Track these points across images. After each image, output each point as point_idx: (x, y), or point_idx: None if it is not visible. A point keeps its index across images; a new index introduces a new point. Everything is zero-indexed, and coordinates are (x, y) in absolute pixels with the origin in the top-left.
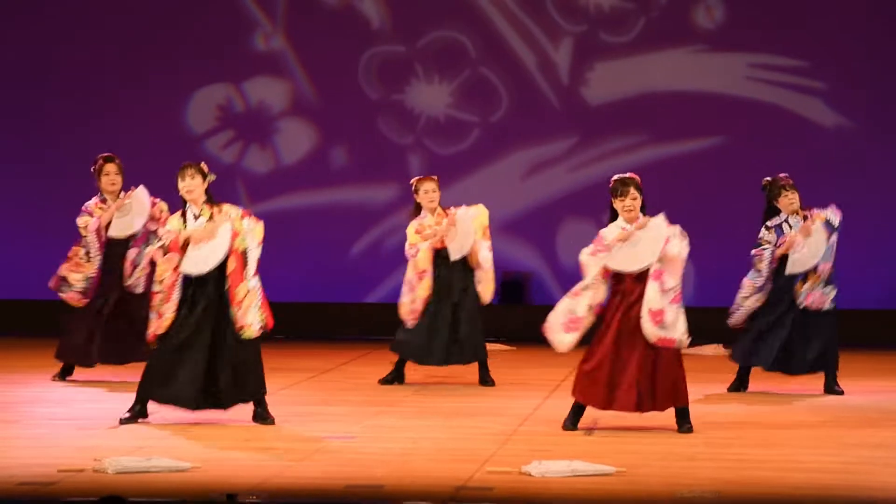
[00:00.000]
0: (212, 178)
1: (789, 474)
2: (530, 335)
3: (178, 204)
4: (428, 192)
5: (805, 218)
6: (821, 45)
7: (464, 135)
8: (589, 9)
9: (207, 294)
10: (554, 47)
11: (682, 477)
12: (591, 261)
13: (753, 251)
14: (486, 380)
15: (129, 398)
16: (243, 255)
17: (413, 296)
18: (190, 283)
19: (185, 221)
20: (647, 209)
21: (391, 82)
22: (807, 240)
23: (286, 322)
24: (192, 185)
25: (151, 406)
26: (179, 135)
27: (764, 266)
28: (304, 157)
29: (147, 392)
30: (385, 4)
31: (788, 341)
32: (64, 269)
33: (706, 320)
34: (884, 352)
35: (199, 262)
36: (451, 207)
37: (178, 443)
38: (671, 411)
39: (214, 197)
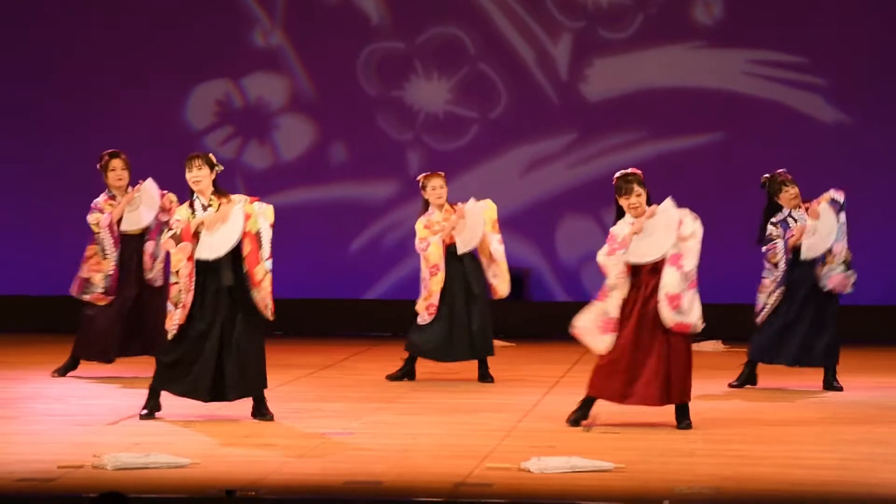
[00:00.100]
0: (219, 168)
1: (788, 470)
2: (529, 331)
3: (182, 198)
4: (435, 188)
5: (807, 210)
6: (820, 40)
7: (463, 131)
8: (587, 5)
9: (218, 282)
10: (553, 43)
11: (681, 473)
12: (611, 260)
13: (764, 248)
14: (485, 376)
15: (128, 394)
16: (257, 237)
17: (428, 291)
18: (200, 271)
19: (193, 212)
20: (650, 203)
21: (390, 78)
22: (816, 222)
23: (285, 318)
24: (199, 176)
25: (170, 399)
26: (179, 131)
27: (779, 259)
28: (303, 153)
29: (164, 385)
30: (384, 1)
31: (805, 336)
32: (84, 271)
33: (705, 317)
34: (882, 348)
35: (215, 246)
36: (459, 203)
37: (176, 439)
38: (670, 407)
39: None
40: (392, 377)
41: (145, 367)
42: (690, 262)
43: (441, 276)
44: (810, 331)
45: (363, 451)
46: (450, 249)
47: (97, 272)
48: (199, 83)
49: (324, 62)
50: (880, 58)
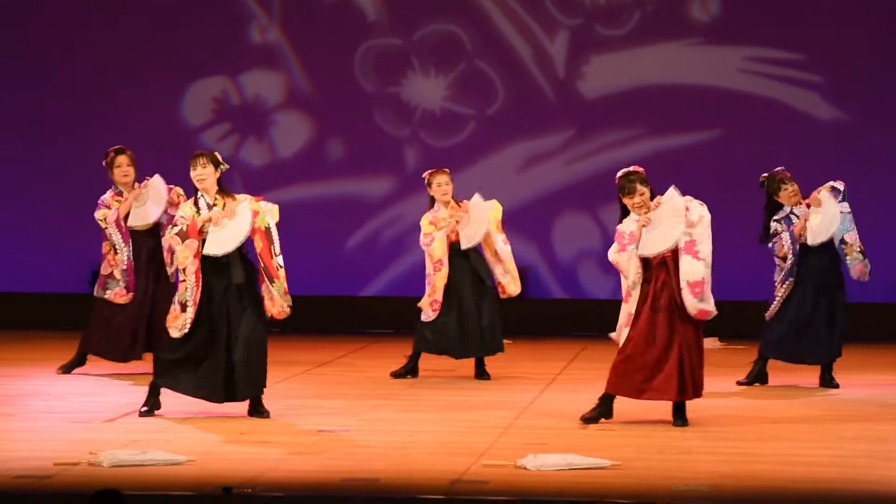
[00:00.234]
0: (224, 167)
1: (786, 468)
2: (527, 329)
3: (189, 195)
4: (441, 185)
5: (808, 205)
6: (817, 38)
7: (460, 128)
8: (585, 2)
9: (226, 281)
10: (550, 40)
11: (679, 470)
12: (623, 257)
13: (770, 244)
14: (482, 373)
15: (127, 391)
16: (267, 233)
17: (432, 287)
18: (206, 270)
19: (198, 210)
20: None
21: (387, 75)
22: (819, 209)
23: None
24: (203, 174)
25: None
26: (176, 128)
27: (787, 251)
28: (300, 149)
29: (166, 383)
30: None
31: (818, 332)
32: (105, 268)
33: None
34: (881, 346)
35: (224, 241)
36: (465, 201)
37: (173, 436)
38: (668, 404)
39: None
40: (396, 374)
41: (144, 364)
42: (705, 247)
43: (445, 271)
44: (823, 327)
45: (361, 448)
46: (455, 246)
47: (116, 266)
48: (195, 80)
49: (321, 59)
50: (878, 55)
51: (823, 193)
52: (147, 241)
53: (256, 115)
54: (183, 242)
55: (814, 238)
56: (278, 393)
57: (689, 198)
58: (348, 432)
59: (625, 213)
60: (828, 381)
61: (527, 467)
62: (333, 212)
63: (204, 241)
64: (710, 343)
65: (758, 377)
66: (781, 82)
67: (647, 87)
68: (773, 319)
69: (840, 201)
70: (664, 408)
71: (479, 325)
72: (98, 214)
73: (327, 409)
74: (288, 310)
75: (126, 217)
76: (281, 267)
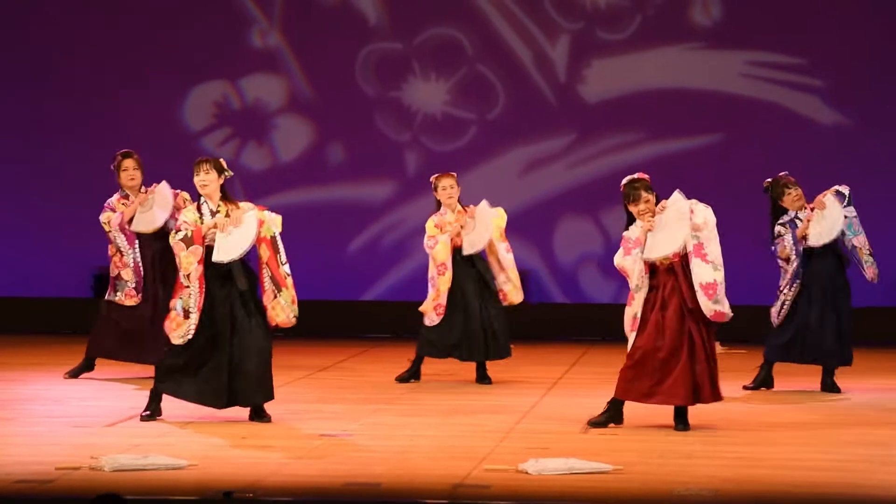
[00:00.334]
0: (228, 174)
1: (786, 472)
2: (528, 333)
3: (194, 199)
4: (447, 188)
5: (812, 209)
6: (818, 42)
7: (461, 132)
8: (586, 6)
9: (228, 289)
10: (551, 45)
11: (680, 475)
12: (629, 261)
13: (773, 247)
14: (483, 378)
15: (128, 395)
16: (273, 242)
17: (436, 291)
18: (209, 277)
19: (201, 216)
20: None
21: (388, 79)
22: (823, 211)
23: None
24: (206, 180)
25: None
26: (176, 132)
27: (789, 252)
28: (301, 154)
29: (168, 388)
30: (382, 1)
31: (826, 335)
32: (113, 270)
33: None
34: (881, 350)
35: (230, 248)
36: (471, 206)
37: (174, 440)
38: (669, 409)
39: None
40: (401, 378)
41: (144, 368)
42: (713, 249)
43: (449, 275)
44: (829, 331)
45: (362, 453)
46: (458, 251)
47: (124, 267)
48: (196, 84)
49: (322, 63)
50: (879, 59)
51: (828, 197)
52: (153, 244)
53: (257, 119)
54: (188, 248)
55: (816, 240)
56: (279, 397)
57: (693, 201)
58: (350, 437)
59: (631, 220)
60: (829, 386)
61: (528, 472)
62: (334, 216)
63: (209, 247)
64: None
65: (764, 382)
66: (783, 87)
67: (648, 92)
68: (780, 325)
69: (845, 205)
70: (666, 412)
71: (486, 328)
72: (102, 217)
73: (328, 413)
74: (294, 319)
75: (130, 221)
76: (288, 275)
